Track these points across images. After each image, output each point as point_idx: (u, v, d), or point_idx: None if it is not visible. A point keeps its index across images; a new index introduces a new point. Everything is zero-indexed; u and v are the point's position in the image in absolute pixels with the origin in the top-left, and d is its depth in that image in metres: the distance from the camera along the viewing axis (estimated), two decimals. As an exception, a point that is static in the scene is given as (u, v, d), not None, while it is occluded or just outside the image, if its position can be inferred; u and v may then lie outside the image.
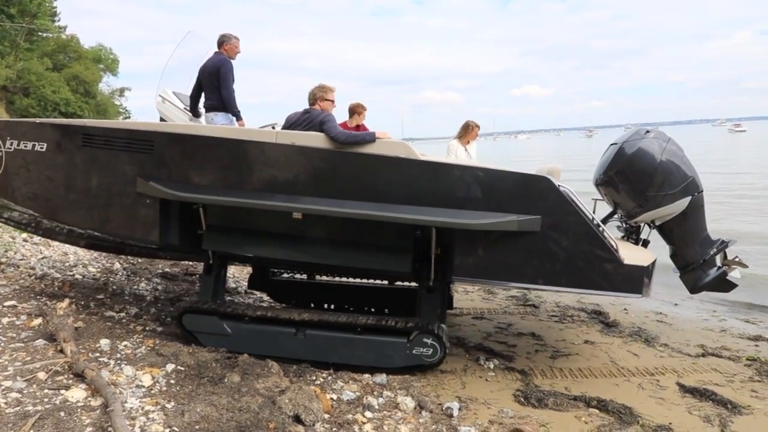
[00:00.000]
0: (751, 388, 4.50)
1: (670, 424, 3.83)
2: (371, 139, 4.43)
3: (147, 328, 5.03)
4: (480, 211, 4.28)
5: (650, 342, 5.62)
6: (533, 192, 4.32)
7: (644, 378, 4.68)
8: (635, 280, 4.39)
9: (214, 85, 5.63)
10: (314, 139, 4.49)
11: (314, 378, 4.34)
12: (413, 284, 6.00)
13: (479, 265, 4.41)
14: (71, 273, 6.70)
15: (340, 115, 6.34)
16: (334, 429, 3.54)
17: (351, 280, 6.28)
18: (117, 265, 7.39)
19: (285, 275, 6.48)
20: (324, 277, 6.44)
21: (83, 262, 7.34)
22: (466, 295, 7.58)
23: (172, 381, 3.86)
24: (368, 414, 3.80)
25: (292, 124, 4.81)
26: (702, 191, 4.92)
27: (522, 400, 4.19)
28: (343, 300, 6.10)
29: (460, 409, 3.95)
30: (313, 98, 4.92)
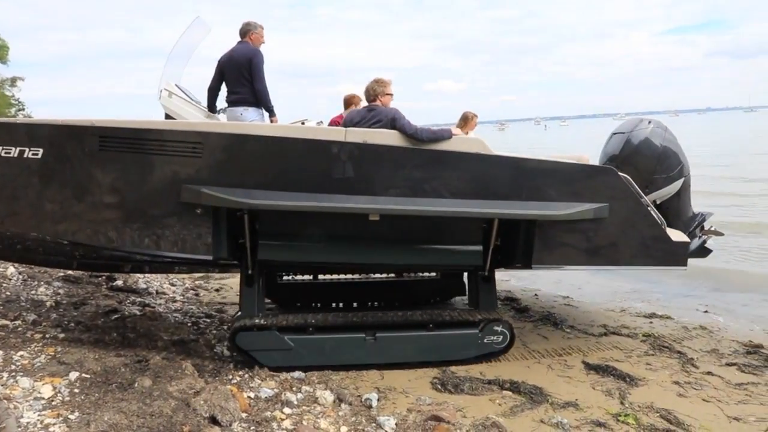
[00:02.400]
0: (647, 361, 4.87)
1: (576, 400, 4.08)
2: (449, 135, 4.47)
3: (47, 336, 4.68)
4: (557, 201, 4.50)
5: (558, 325, 5.93)
6: (601, 181, 4.64)
7: (553, 359, 4.95)
8: (682, 254, 4.91)
9: (244, 77, 5.25)
10: (387, 137, 4.37)
11: (230, 377, 4.23)
12: (422, 276, 6.25)
13: (559, 252, 4.69)
14: (-43, 280, 6.13)
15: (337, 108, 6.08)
16: (252, 427, 3.47)
17: (356, 276, 6.17)
18: (11, 270, 6.82)
19: (287, 277, 6.13)
20: (331, 276, 6.22)
21: (-29, 267, 6.73)
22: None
23: (77, 390, 3.63)
24: (287, 410, 3.76)
25: (357, 122, 4.61)
26: (689, 173, 5.46)
27: (439, 387, 4.29)
28: (352, 296, 6.01)
29: (378, 400, 4.00)
30: (374, 94, 4.77)
